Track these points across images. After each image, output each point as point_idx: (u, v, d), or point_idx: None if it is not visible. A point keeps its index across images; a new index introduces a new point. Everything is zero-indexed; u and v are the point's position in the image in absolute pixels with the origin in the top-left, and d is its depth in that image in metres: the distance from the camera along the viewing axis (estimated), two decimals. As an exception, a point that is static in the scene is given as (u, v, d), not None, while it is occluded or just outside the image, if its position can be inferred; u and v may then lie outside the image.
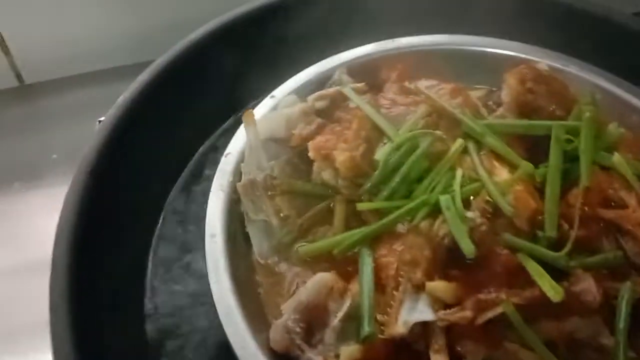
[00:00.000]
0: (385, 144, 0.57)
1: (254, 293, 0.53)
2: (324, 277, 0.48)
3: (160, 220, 0.62)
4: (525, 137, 0.59)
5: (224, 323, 0.46)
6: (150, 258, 0.59)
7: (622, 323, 0.46)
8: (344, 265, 0.52)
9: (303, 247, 0.54)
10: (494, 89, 0.67)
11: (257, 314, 0.50)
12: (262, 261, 0.54)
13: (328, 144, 0.56)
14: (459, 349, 0.46)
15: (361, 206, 0.54)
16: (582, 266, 0.49)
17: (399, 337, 0.46)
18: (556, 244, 0.51)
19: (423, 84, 0.63)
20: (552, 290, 0.44)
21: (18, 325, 0.64)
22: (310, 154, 0.56)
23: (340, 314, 0.46)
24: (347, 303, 0.46)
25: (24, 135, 0.84)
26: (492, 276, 0.48)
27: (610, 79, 0.65)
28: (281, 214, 0.56)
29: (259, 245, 0.55)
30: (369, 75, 0.66)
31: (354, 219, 0.56)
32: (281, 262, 0.54)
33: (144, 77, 0.63)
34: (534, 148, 0.58)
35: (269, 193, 0.56)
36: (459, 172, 0.55)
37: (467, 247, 0.46)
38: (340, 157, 0.54)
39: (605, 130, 0.58)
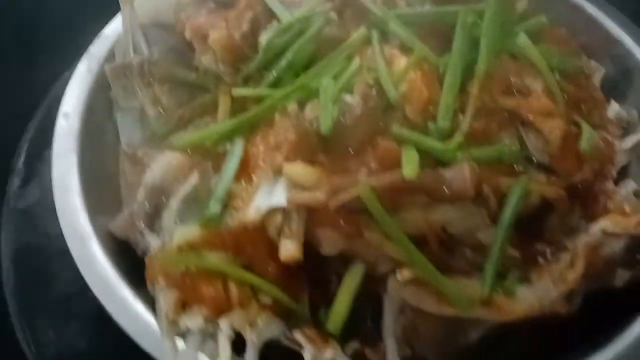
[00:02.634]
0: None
1: (115, 184, 0.48)
2: (169, 157, 0.43)
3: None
4: (442, 31, 0.53)
5: (58, 205, 0.42)
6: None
7: (506, 216, 0.41)
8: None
9: (177, 139, 0.49)
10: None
11: (111, 204, 0.46)
12: (129, 151, 0.49)
13: (207, 24, 0.50)
14: (316, 236, 0.41)
15: (236, 92, 0.48)
16: (472, 160, 0.43)
17: (251, 224, 0.41)
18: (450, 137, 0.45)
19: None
20: (408, 167, 0.39)
21: None
22: (187, 34, 0.51)
23: (181, 193, 0.41)
24: (190, 182, 0.41)
25: None
26: (364, 165, 0.42)
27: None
28: (159, 106, 0.51)
29: (128, 134, 0.50)
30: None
31: (243, 111, 0.50)
32: (152, 153, 0.49)
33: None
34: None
35: (146, 80, 0.51)
36: (355, 61, 0.49)
37: (324, 123, 0.41)
38: (214, 35, 0.48)
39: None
